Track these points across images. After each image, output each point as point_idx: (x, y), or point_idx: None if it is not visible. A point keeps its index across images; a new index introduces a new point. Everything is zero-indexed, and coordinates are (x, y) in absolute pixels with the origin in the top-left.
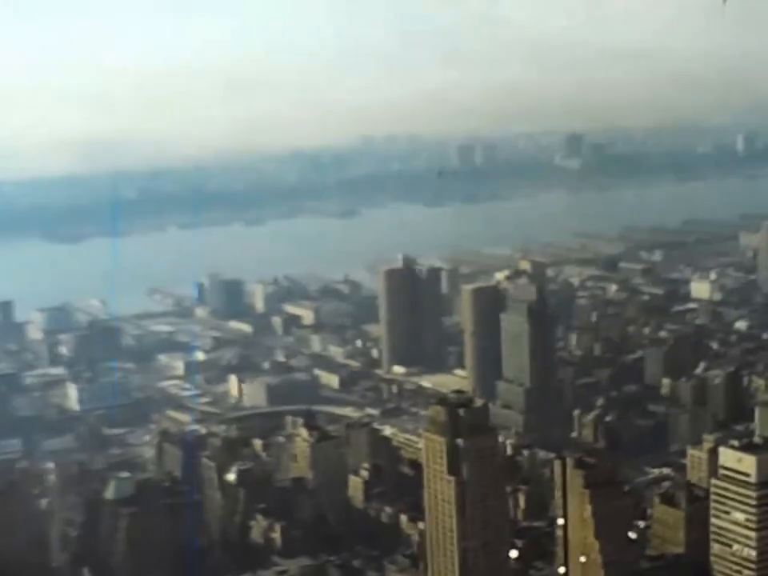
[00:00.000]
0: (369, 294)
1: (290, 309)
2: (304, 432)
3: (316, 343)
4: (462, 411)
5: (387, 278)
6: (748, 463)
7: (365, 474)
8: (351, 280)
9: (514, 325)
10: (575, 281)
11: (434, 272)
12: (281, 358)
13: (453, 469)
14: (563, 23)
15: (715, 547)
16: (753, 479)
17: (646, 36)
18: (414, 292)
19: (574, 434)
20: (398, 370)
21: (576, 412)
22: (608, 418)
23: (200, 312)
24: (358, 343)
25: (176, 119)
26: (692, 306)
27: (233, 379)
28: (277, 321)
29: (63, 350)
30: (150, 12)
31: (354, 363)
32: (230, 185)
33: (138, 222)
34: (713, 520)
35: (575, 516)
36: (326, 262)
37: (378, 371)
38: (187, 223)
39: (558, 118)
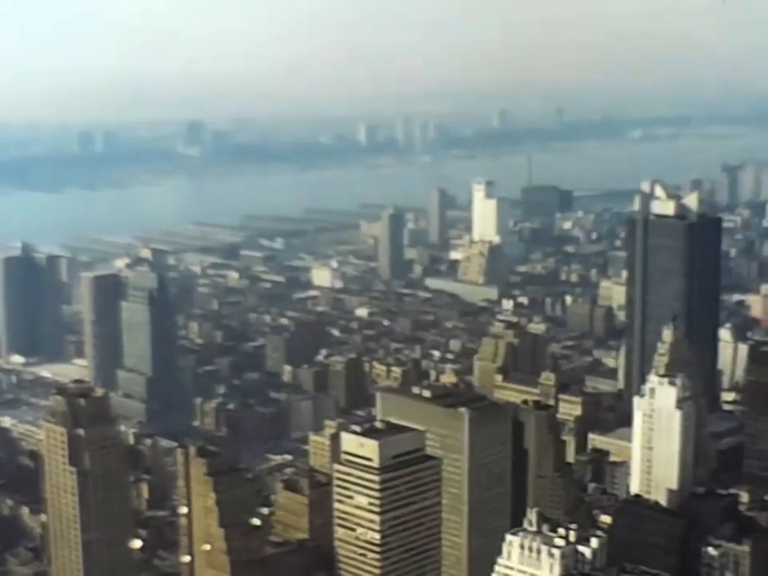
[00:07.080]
0: None
1: None
2: None
3: None
4: (82, 401)
5: (4, 266)
6: (370, 448)
7: None
8: None
9: (134, 313)
10: (196, 269)
11: (53, 260)
12: None
13: (74, 459)
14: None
15: (339, 531)
16: (375, 463)
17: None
18: (33, 280)
19: (196, 423)
20: (17, 359)
21: (198, 400)
22: (230, 406)
23: None
24: None
25: None
26: (313, 293)
27: None
28: None
29: None
30: None
31: None
32: None
33: None
34: (336, 505)
35: (198, 504)
36: None
37: None
38: None
39: (179, 106)
